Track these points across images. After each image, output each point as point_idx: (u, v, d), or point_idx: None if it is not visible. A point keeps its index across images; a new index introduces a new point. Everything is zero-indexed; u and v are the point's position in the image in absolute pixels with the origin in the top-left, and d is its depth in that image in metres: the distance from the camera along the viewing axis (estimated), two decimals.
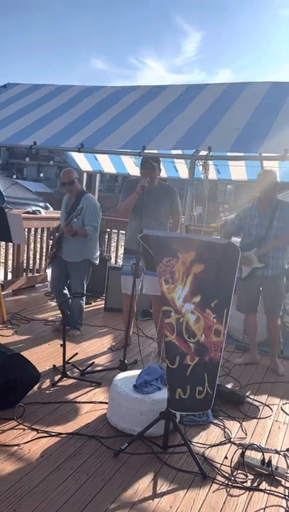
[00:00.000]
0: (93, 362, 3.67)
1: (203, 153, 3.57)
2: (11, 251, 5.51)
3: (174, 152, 3.89)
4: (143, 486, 2.23)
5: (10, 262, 5.62)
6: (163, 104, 4.29)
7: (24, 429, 2.61)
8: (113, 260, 6.53)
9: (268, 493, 2.27)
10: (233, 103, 3.99)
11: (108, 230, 6.59)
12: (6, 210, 4.48)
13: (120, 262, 6.58)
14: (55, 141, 4.16)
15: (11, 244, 5.41)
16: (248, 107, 3.80)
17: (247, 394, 3.33)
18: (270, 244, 3.69)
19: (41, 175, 38.92)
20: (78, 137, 4.05)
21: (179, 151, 4.02)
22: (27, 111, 5.07)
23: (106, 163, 6.53)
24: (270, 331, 3.96)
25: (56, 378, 3.28)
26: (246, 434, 2.82)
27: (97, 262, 4.30)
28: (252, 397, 3.32)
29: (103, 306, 5.35)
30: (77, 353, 3.74)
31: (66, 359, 3.37)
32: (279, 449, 2.66)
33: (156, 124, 3.92)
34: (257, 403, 3.25)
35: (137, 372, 2.95)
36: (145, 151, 3.60)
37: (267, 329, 4.01)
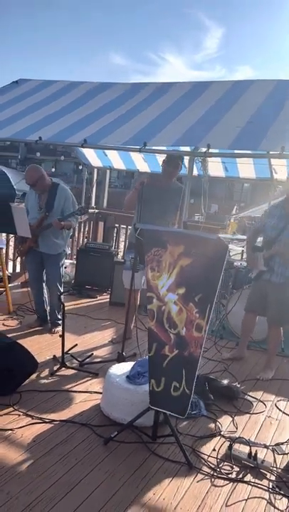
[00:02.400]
0: (92, 353, 3.74)
1: (202, 150, 3.60)
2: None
3: (172, 149, 3.93)
4: (129, 473, 2.29)
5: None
6: (168, 102, 4.33)
7: (19, 415, 2.70)
8: (120, 255, 6.60)
9: (252, 485, 2.31)
10: (237, 101, 4.00)
11: (116, 225, 6.68)
12: (15, 203, 4.58)
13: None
14: (61, 136, 4.24)
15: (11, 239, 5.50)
16: (251, 105, 3.81)
17: (243, 390, 3.36)
18: (274, 249, 3.55)
19: (53, 170, 39.10)
20: (83, 133, 4.12)
21: (178, 148, 4.04)
22: (37, 107, 5.17)
23: (116, 159, 6.60)
24: (269, 338, 3.84)
25: (55, 368, 3.37)
26: (237, 428, 2.85)
27: (68, 251, 4.28)
28: (247, 392, 3.36)
29: (108, 300, 5.42)
30: (76, 345, 3.82)
31: (66, 350, 3.46)
32: (268, 444, 2.69)
33: (158, 122, 3.97)
34: (251, 399, 3.28)
35: (132, 364, 3.02)
36: (146, 147, 3.65)
37: (267, 335, 3.93)
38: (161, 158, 5.81)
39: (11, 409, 2.75)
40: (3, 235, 5.44)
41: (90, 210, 6.74)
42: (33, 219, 3.96)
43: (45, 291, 4.26)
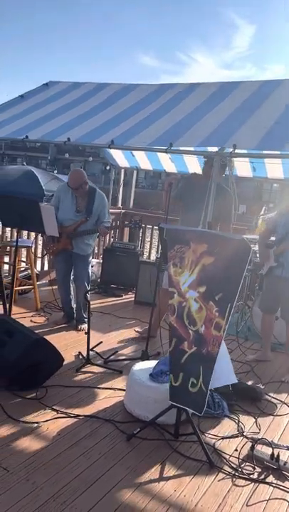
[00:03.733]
0: (116, 351, 3.80)
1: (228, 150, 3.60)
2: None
3: (199, 150, 3.93)
4: (151, 469, 2.33)
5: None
6: (194, 103, 4.34)
7: (45, 409, 2.78)
8: (146, 255, 6.65)
9: (274, 486, 2.30)
10: (264, 101, 3.97)
11: (143, 225, 6.72)
12: (42, 203, 4.68)
13: (152, 256, 6.71)
14: (89, 137, 4.32)
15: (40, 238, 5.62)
16: (279, 105, 3.78)
17: (266, 391, 3.34)
18: (283, 245, 3.59)
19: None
20: (110, 134, 4.19)
21: (205, 148, 4.05)
22: (66, 109, 5.28)
23: (143, 160, 6.65)
24: (287, 337, 3.82)
25: (80, 364, 3.44)
26: (260, 430, 2.84)
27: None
28: (271, 394, 3.33)
29: (133, 299, 5.47)
30: (101, 342, 3.88)
31: (91, 347, 3.53)
32: None
33: (185, 122, 3.99)
34: (275, 401, 3.25)
35: (155, 362, 3.05)
36: (172, 148, 3.68)
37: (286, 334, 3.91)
38: (188, 158, 5.83)
39: (38, 403, 2.83)
40: (32, 234, 5.57)
41: (117, 210, 6.82)
42: (69, 220, 4.06)
43: (72, 289, 4.35)
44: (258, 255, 5.17)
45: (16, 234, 4.52)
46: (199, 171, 6.19)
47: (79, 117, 4.84)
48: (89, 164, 41.76)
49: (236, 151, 3.46)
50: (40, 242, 5.74)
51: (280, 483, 2.32)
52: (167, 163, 6.44)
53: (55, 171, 28.15)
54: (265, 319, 3.95)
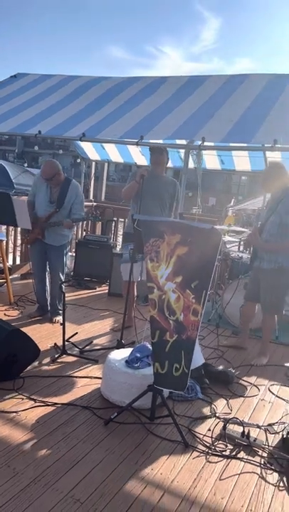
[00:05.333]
0: (92, 341, 3.86)
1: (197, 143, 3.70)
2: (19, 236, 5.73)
3: (168, 142, 4.02)
4: (128, 451, 2.42)
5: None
6: (163, 96, 4.42)
7: (22, 399, 2.82)
8: (118, 248, 6.70)
9: (245, 461, 2.44)
10: (231, 95, 4.09)
11: (115, 218, 6.78)
12: (14, 196, 4.67)
13: None
14: (60, 130, 4.33)
15: (19, 229, 5.61)
16: (245, 99, 3.91)
17: (237, 375, 3.49)
18: (269, 245, 3.62)
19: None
20: (81, 127, 4.21)
21: (175, 141, 4.14)
22: (35, 101, 5.25)
23: (113, 153, 6.69)
24: (263, 326, 3.92)
25: (56, 355, 3.49)
26: (231, 410, 2.98)
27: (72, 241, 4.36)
28: (242, 377, 3.48)
29: (107, 291, 5.53)
30: (77, 333, 3.94)
31: (66, 338, 3.58)
32: (261, 424, 2.82)
33: (155, 115, 4.06)
34: (246, 383, 3.41)
35: (130, 350, 3.13)
36: (143, 141, 3.75)
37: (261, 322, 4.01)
38: None
39: (15, 393, 2.87)
40: (3, 227, 5.53)
41: (88, 203, 6.84)
42: (43, 211, 4.08)
43: (47, 281, 4.37)
44: (228, 246, 5.33)
45: None
46: (169, 164, 6.31)
47: (48, 109, 4.83)
48: (58, 157, 41.19)
49: (205, 143, 3.56)
50: (11, 237, 5.72)
51: (251, 458, 2.46)
52: (138, 155, 6.51)
53: (25, 164, 27.64)
54: (246, 307, 4.01)
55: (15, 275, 5.62)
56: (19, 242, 5.81)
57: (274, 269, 3.61)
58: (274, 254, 3.59)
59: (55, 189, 4.07)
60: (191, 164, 5.98)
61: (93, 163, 7.18)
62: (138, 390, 2.76)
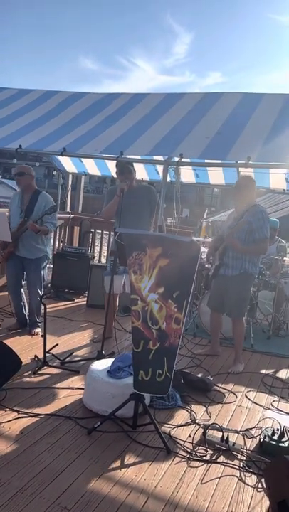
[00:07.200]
0: (72, 353, 3.90)
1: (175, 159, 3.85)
2: None
3: (148, 158, 4.16)
4: (112, 459, 2.48)
5: None
6: (142, 113, 4.56)
7: (5, 411, 2.84)
8: (96, 259, 6.77)
9: (224, 465, 2.53)
10: (206, 113, 4.27)
11: (92, 230, 6.85)
12: None
13: (103, 260, 6.85)
14: (41, 145, 4.40)
15: None
16: (219, 117, 4.09)
17: (215, 382, 3.60)
18: (222, 246, 3.85)
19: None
20: (62, 142, 4.29)
21: (154, 157, 4.27)
22: (15, 116, 5.30)
23: (91, 166, 6.79)
24: (234, 332, 4.05)
25: (37, 367, 3.51)
26: (210, 417, 3.08)
27: (51, 256, 4.47)
28: (219, 385, 3.60)
29: (85, 302, 5.57)
30: (57, 344, 3.97)
31: (47, 350, 3.60)
32: (239, 429, 2.93)
33: (134, 131, 4.19)
34: (223, 390, 3.52)
35: (112, 360, 3.20)
36: (122, 156, 3.86)
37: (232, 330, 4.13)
38: (135, 165, 6.05)
39: None
40: None
41: (66, 215, 6.89)
42: (16, 223, 4.10)
43: (23, 295, 4.38)
44: (203, 257, 5.49)
45: None
46: (146, 177, 6.46)
47: (29, 125, 4.90)
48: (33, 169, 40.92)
49: (182, 159, 3.71)
50: None
51: (230, 462, 2.56)
52: (115, 169, 6.62)
53: (0, 176, 27.33)
54: (213, 317, 4.20)
55: None
56: None
57: (239, 275, 3.83)
58: (239, 261, 3.82)
59: (26, 198, 4.12)
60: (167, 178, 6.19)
61: (70, 175, 7.25)
62: (120, 399, 2.82)
